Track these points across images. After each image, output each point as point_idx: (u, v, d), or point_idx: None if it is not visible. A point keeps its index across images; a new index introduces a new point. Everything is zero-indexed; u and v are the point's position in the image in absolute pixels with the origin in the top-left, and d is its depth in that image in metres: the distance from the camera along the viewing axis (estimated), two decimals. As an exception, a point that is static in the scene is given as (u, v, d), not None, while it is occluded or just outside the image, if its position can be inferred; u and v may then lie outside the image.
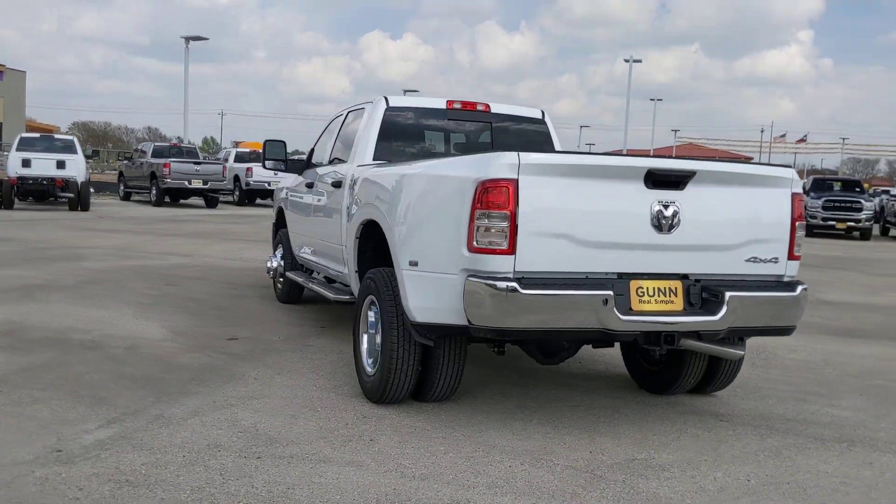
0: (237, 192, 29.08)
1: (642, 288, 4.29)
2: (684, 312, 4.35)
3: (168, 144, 28.15)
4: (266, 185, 28.09)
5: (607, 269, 4.27)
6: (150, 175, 25.76)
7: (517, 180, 4.03)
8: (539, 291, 4.03)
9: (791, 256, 4.64)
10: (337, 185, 6.51)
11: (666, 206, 4.28)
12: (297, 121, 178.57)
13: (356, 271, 5.56)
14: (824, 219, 26.16)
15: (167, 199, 26.36)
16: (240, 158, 29.71)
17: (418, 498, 3.59)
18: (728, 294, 4.34)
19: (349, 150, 6.78)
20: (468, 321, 4.21)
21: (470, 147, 6.83)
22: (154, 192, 25.68)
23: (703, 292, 4.41)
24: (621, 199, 4.23)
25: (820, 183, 29.35)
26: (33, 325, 6.92)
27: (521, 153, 4.07)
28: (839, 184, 29.46)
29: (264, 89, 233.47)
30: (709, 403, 5.42)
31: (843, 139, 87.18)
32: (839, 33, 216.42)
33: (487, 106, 6.83)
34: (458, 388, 4.95)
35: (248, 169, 28.13)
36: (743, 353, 4.88)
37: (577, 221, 4.15)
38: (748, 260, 4.54)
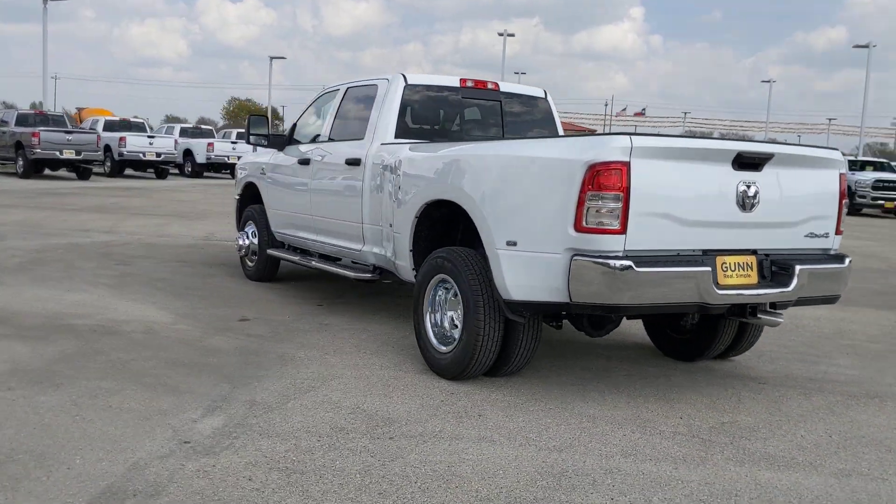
0: (108, 163, 27.58)
1: (726, 263, 4.59)
2: (760, 285, 4.69)
3: (33, 112, 26.25)
4: (141, 155, 26.84)
5: (695, 246, 4.53)
6: (16, 145, 24.00)
7: (629, 163, 4.21)
8: (651, 269, 4.24)
9: (837, 231, 5.09)
10: (353, 162, 6.46)
11: (748, 186, 4.59)
12: (136, 85, 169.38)
13: (410, 251, 5.57)
14: (873, 198, 27.74)
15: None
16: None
17: (574, 469, 3.76)
18: (798, 267, 4.72)
19: (359, 128, 6.74)
20: (569, 298, 4.37)
21: (485, 125, 6.92)
22: (21, 163, 23.95)
23: (772, 266, 4.76)
24: (712, 180, 4.51)
25: (852, 163, 30.54)
26: (19, 310, 6.50)
27: (632, 136, 4.25)
28: (870, 166, 31.04)
29: (94, 52, 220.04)
30: (735, 368, 5.84)
31: (686, 113, 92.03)
32: (667, 11, 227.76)
33: (497, 84, 6.94)
34: (530, 362, 5.11)
35: (122, 139, 26.74)
36: (782, 320, 5.30)
37: (675, 201, 4.39)
38: (806, 235, 4.94)
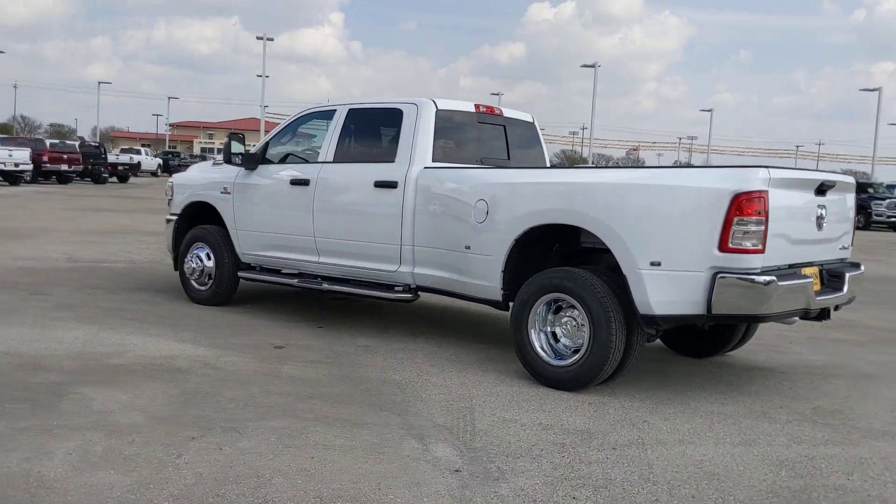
0: None
1: (807, 274, 5.48)
2: (825, 291, 5.63)
3: None
4: None
5: (791, 261, 5.37)
6: None
7: (767, 191, 4.93)
8: (786, 282, 5.00)
9: (851, 244, 6.20)
10: (387, 185, 6.59)
11: (822, 209, 5.51)
12: None
13: (502, 271, 5.85)
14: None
15: None
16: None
17: (783, 460, 4.38)
18: (848, 274, 5.74)
19: (381, 151, 6.89)
20: (708, 311, 5.01)
21: (495, 148, 7.30)
22: None
23: (827, 275, 5.73)
24: (804, 205, 5.37)
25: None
26: (41, 354, 5.86)
27: (770, 168, 4.98)
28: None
29: None
30: (740, 361, 6.78)
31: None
32: (366, 18, 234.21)
33: (501, 111, 7.37)
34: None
35: None
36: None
37: (787, 223, 5.19)
38: (840, 248, 5.98)
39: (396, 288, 6.71)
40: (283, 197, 7.45)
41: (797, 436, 4.79)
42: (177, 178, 8.73)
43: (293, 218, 7.33)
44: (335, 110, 7.30)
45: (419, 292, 6.69)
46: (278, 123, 8.21)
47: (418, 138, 6.60)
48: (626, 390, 5.55)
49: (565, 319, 5.54)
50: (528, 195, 5.73)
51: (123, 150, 51.44)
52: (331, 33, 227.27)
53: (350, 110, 7.19)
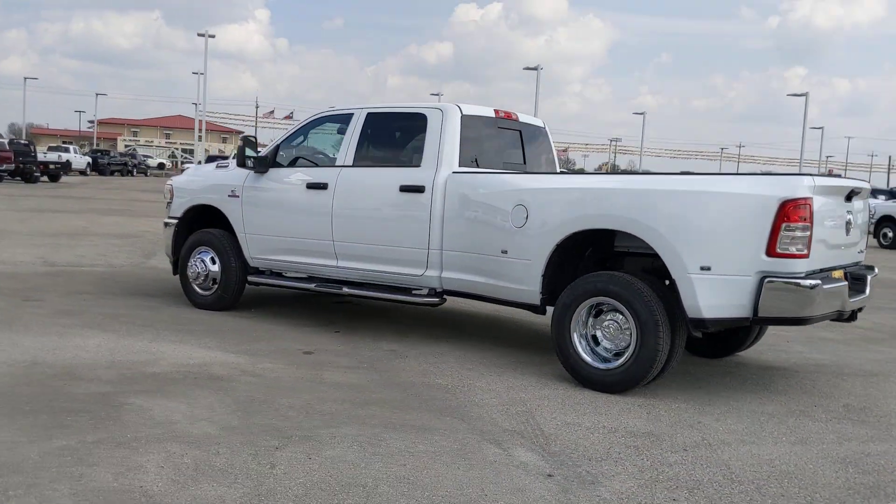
0: None
1: (840, 278, 5.71)
2: (851, 293, 5.87)
3: None
4: None
5: (823, 265, 5.58)
6: None
7: (812, 198, 5.14)
8: (828, 286, 5.21)
9: (866, 247, 6.47)
10: (413, 189, 6.61)
11: (850, 215, 5.75)
12: None
13: (542, 275, 5.92)
14: None
15: None
16: None
17: (844, 455, 4.57)
18: (869, 277, 6.00)
19: (405, 155, 6.92)
20: (754, 314, 5.19)
21: (513, 152, 7.37)
22: None
23: (850, 278, 5.98)
24: (837, 211, 5.60)
25: None
26: (73, 364, 5.69)
27: (814, 176, 5.18)
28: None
29: None
30: (753, 361, 7.00)
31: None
32: (292, 15, 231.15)
33: (517, 116, 7.46)
34: (669, 370, 5.81)
35: None
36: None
37: (825, 229, 5.41)
38: (858, 251, 6.24)
39: (416, 291, 6.72)
40: (298, 201, 7.38)
41: (844, 433, 4.99)
42: (176, 180, 8.55)
43: (310, 222, 7.27)
44: (352, 114, 7.27)
45: (445, 296, 6.70)
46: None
47: (445, 143, 6.63)
48: (665, 391, 5.68)
49: (607, 323, 5.64)
50: (573, 200, 5.81)
51: (51, 149, 49.70)
52: (256, 30, 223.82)
53: (369, 114, 7.17)
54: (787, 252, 5.10)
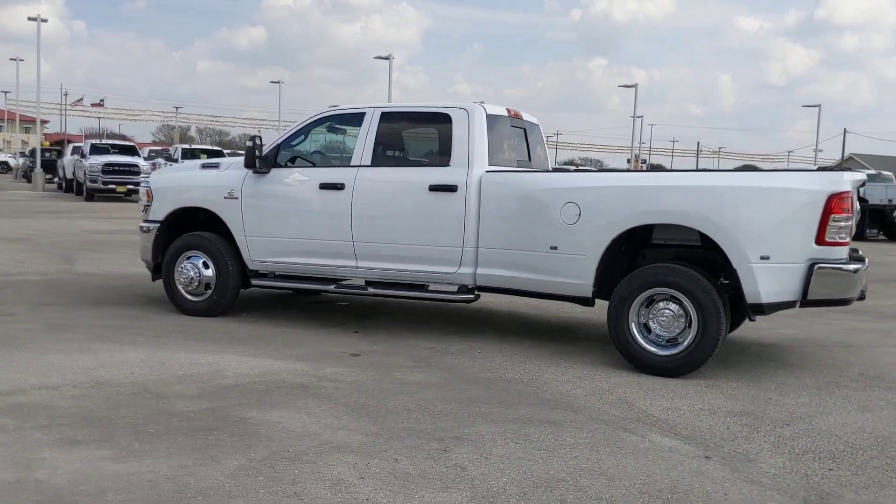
0: None
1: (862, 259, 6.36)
2: (859, 274, 6.56)
3: None
4: None
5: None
6: None
7: (851, 191, 5.75)
8: (862, 268, 5.85)
9: (851, 233, 7.21)
10: (445, 188, 6.73)
11: (857, 203, 6.44)
12: None
13: (596, 269, 6.21)
14: (104, 182, 27.10)
15: None
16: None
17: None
18: (867, 259, 6.73)
19: (431, 155, 7.02)
20: (803, 297, 5.76)
21: (520, 149, 7.61)
22: None
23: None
24: (855, 202, 6.25)
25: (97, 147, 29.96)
26: (148, 379, 5.43)
27: (852, 171, 5.79)
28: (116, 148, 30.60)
29: None
30: (743, 340, 7.64)
31: (178, 108, 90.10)
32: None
33: (522, 114, 7.71)
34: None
35: None
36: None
37: (853, 218, 6.04)
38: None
39: (443, 289, 6.85)
40: (310, 201, 7.27)
41: (890, 399, 5.62)
42: (156, 181, 8.14)
43: (325, 222, 7.19)
44: (364, 113, 7.24)
45: (478, 293, 6.87)
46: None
47: (474, 143, 6.77)
48: (707, 372, 6.09)
49: (662, 312, 6.01)
50: (632, 198, 6.12)
51: None
52: (49, 11, 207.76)
53: (383, 113, 7.17)
54: (834, 240, 5.68)
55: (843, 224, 5.69)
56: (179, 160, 28.80)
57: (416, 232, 6.88)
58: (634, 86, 48.23)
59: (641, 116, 63.51)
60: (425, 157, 7.14)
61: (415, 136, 7.36)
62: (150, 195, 8.02)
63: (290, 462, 4.01)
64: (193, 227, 7.99)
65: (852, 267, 5.72)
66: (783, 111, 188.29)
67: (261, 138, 7.38)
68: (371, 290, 7.14)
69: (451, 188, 6.71)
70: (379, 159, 7.12)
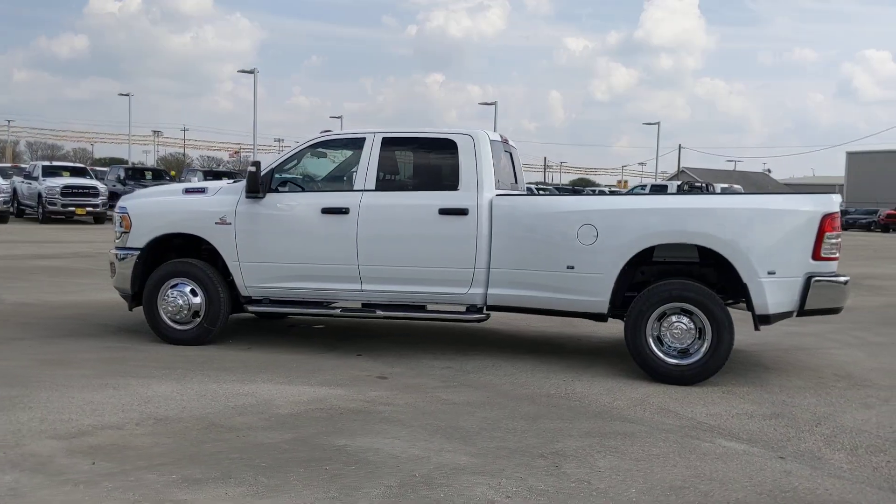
0: None
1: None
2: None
3: None
4: None
5: (830, 265, 6.90)
6: None
7: (839, 212, 6.46)
8: (849, 280, 6.56)
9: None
10: (455, 212, 6.97)
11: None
12: None
13: (614, 287, 6.61)
14: (63, 205, 26.77)
15: None
16: None
17: (911, 412, 5.90)
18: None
19: (436, 179, 7.24)
20: (800, 307, 6.42)
21: (509, 172, 7.91)
22: None
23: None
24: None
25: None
26: (189, 415, 5.33)
27: (837, 195, 6.50)
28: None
29: None
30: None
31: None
32: None
33: (508, 139, 8.04)
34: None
35: None
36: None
37: (833, 235, 6.75)
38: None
39: (451, 309, 7.08)
40: (312, 226, 7.28)
41: (880, 396, 6.32)
42: (133, 206, 7.83)
43: (328, 247, 7.23)
44: (363, 138, 7.34)
45: (489, 312, 7.12)
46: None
47: (483, 167, 7.04)
48: (711, 380, 6.60)
49: (675, 325, 6.47)
50: (649, 220, 6.54)
51: None
52: None
53: (385, 139, 7.30)
54: (828, 256, 6.35)
55: (834, 241, 6.36)
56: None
57: (426, 255, 7.04)
58: (494, 103, 49.65)
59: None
60: (431, 182, 7.30)
61: (419, 162, 7.51)
62: (127, 221, 7.73)
63: (428, 486, 4.12)
64: (167, 254, 7.80)
65: (843, 279, 6.40)
66: (609, 127, 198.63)
67: (259, 164, 7.32)
68: (380, 312, 7.23)
69: (462, 211, 6.93)
70: (383, 183, 7.23)
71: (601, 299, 6.66)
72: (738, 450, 4.88)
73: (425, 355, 7.32)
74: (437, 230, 7.02)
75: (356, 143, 7.41)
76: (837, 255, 6.44)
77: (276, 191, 7.45)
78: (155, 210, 7.77)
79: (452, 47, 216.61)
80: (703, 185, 31.68)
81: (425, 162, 7.48)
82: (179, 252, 7.88)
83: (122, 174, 29.69)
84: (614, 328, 7.78)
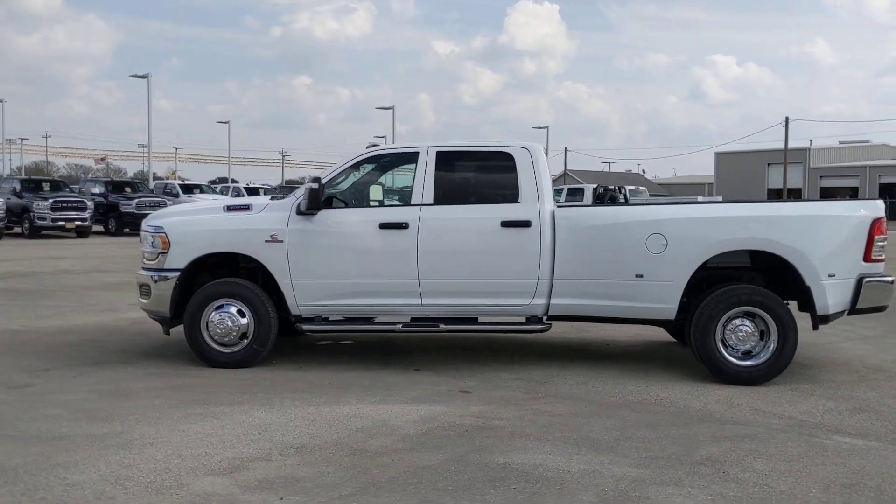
0: None
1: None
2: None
3: None
4: None
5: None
6: None
7: (885, 216, 6.96)
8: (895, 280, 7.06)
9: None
10: (518, 224, 7.07)
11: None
12: None
13: (683, 294, 6.85)
14: (53, 219, 26.56)
15: None
16: None
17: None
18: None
19: (496, 192, 7.33)
20: (852, 307, 6.88)
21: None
22: None
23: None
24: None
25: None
26: (331, 441, 5.22)
27: (883, 200, 6.99)
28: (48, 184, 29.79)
29: None
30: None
31: None
32: None
33: (542, 150, 8.19)
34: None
35: None
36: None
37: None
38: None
39: (510, 319, 7.21)
40: (370, 241, 7.20)
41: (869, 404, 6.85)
42: (171, 226, 7.47)
43: (387, 262, 7.17)
44: (417, 153, 7.33)
45: (549, 321, 7.25)
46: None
47: (541, 180, 7.17)
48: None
49: (739, 328, 6.77)
50: (718, 228, 6.81)
51: None
52: None
53: (439, 153, 7.31)
54: (877, 258, 6.81)
55: (882, 244, 6.83)
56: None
57: (488, 267, 7.10)
58: (391, 108, 49.72)
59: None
60: (490, 195, 7.35)
61: (475, 175, 7.55)
62: (164, 241, 7.40)
63: (629, 500, 4.21)
64: (198, 274, 7.56)
65: (890, 279, 6.87)
66: (478, 130, 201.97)
67: (320, 180, 7.18)
68: (442, 326, 7.22)
69: (525, 223, 7.03)
70: (441, 198, 7.22)
71: (670, 306, 6.90)
72: (861, 445, 5.18)
73: (483, 367, 7.36)
74: (499, 242, 7.08)
75: (409, 158, 7.38)
76: (883, 256, 6.90)
77: (328, 207, 7.31)
78: (197, 229, 7.47)
79: (319, 50, 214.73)
80: (616, 188, 32.87)
81: (482, 175, 7.54)
82: (213, 273, 7.63)
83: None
84: (629, 331, 8.06)
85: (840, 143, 73.88)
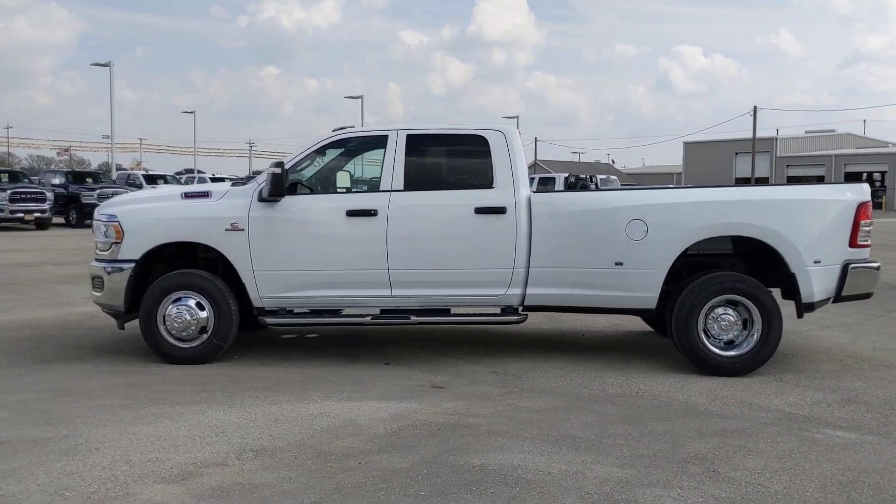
0: None
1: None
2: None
3: None
4: None
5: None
6: None
7: (870, 200, 6.72)
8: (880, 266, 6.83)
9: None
10: (492, 210, 6.75)
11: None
12: None
13: (664, 282, 6.56)
14: (12, 211, 25.81)
15: None
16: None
17: (956, 389, 6.22)
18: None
19: (469, 177, 7.00)
20: (838, 293, 6.64)
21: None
22: None
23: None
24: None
25: None
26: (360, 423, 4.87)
27: (867, 183, 6.75)
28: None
29: None
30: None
31: None
32: None
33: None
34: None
35: None
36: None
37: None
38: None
39: (485, 310, 6.88)
40: (337, 229, 6.83)
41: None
42: (124, 214, 7.03)
43: (355, 251, 6.82)
44: (386, 136, 6.96)
45: (524, 312, 6.93)
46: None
47: (517, 164, 6.84)
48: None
49: (722, 317, 6.51)
50: (701, 213, 6.51)
51: None
52: None
53: (409, 136, 6.95)
54: (863, 243, 6.58)
55: (867, 228, 6.59)
56: None
57: (462, 256, 6.77)
58: (360, 97, 49.13)
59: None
60: (463, 180, 7.01)
61: (447, 159, 7.20)
62: (117, 230, 6.97)
63: (616, 501, 3.91)
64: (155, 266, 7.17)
65: (875, 265, 6.64)
66: (447, 120, 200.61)
67: (283, 164, 6.79)
68: (413, 318, 6.88)
69: (500, 210, 6.70)
70: (412, 183, 6.87)
71: (651, 294, 6.61)
72: (854, 439, 4.94)
73: (457, 361, 7.05)
74: (473, 230, 6.75)
75: (377, 142, 7.02)
76: (869, 241, 6.67)
77: (292, 193, 6.93)
78: (153, 217, 7.04)
79: (286, 40, 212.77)
80: (588, 177, 32.67)
81: (455, 159, 7.20)
82: (170, 263, 7.23)
83: None
84: (605, 321, 7.80)
85: (806, 132, 74.32)
